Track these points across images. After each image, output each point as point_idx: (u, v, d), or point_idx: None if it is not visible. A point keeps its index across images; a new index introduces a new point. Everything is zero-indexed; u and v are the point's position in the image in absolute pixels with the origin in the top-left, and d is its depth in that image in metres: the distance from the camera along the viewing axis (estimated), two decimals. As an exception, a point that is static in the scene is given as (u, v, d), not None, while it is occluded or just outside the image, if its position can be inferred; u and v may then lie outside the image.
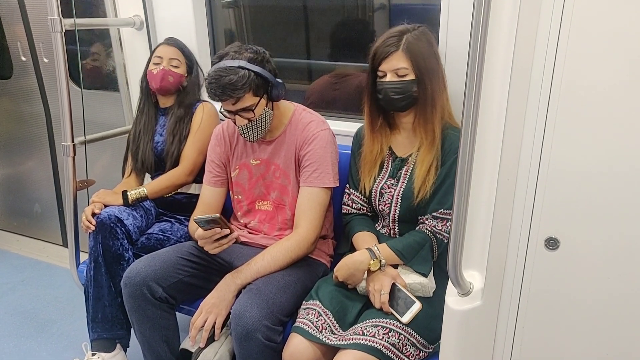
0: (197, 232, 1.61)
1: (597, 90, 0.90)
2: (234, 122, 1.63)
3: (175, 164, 1.99)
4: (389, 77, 1.46)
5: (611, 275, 0.97)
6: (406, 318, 1.41)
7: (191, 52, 2.05)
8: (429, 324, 1.44)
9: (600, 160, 0.92)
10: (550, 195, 0.96)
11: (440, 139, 1.50)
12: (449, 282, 1.13)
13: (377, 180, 1.61)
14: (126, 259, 1.81)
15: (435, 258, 1.52)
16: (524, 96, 0.92)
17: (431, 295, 1.49)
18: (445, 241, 1.50)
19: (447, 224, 1.49)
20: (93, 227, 1.80)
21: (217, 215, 1.54)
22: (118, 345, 1.88)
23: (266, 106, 1.62)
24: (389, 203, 1.58)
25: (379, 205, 1.61)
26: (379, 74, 1.50)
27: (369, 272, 1.51)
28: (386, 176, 1.60)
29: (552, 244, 0.98)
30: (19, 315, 2.53)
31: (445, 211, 1.50)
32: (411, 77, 1.45)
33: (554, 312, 1.04)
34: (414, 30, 1.48)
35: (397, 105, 1.49)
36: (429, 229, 1.51)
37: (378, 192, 1.60)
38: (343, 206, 1.71)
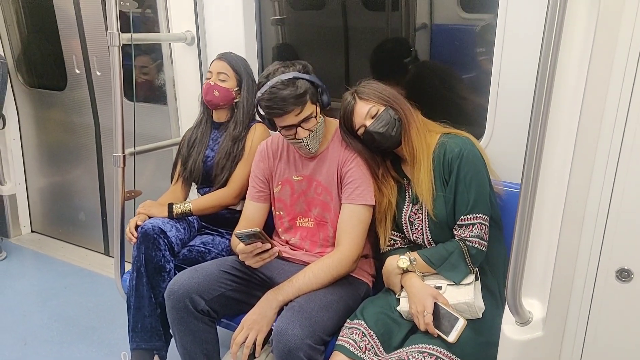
0: (238, 246, 1.61)
1: None
2: (294, 138, 1.63)
3: (224, 184, 2.00)
4: (368, 123, 1.57)
5: None
6: (452, 337, 1.36)
7: (242, 67, 2.02)
8: (478, 351, 1.38)
9: None
10: (624, 222, 0.90)
11: (436, 150, 1.54)
12: (506, 310, 1.07)
13: (403, 210, 1.62)
14: (167, 270, 1.82)
15: (471, 267, 1.49)
16: (599, 115, 0.87)
17: (480, 316, 1.44)
18: (476, 246, 1.48)
19: (473, 229, 1.48)
20: (134, 239, 1.82)
21: (258, 229, 1.53)
22: (156, 357, 1.88)
23: (320, 114, 1.66)
24: (420, 229, 1.58)
25: (412, 235, 1.61)
26: (359, 131, 1.59)
27: (403, 274, 1.54)
28: (410, 204, 1.61)
29: (624, 275, 0.92)
30: (62, 321, 2.58)
31: (465, 217, 1.49)
32: (382, 108, 1.56)
33: (624, 349, 0.97)
34: (360, 84, 1.62)
35: (391, 136, 1.55)
36: (457, 237, 1.51)
37: (407, 221, 1.61)
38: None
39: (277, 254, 1.60)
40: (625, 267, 0.92)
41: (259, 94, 1.59)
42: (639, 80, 0.84)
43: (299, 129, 1.61)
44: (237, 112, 2.02)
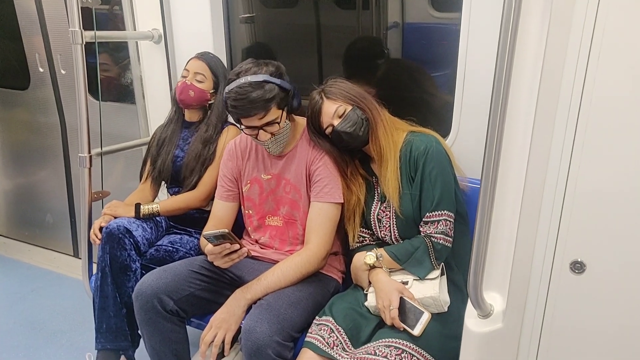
0: (206, 247, 1.61)
1: (627, 110, 0.87)
2: (256, 138, 1.63)
3: (194, 187, 1.97)
4: (335, 122, 1.57)
5: None
6: (417, 330, 1.39)
7: (220, 69, 1.99)
8: (444, 344, 1.41)
9: (630, 182, 0.89)
10: (577, 216, 0.93)
11: (403, 148, 1.56)
12: (469, 304, 1.10)
13: (372, 208, 1.64)
14: (133, 270, 1.80)
15: (435, 263, 1.51)
16: (552, 113, 0.90)
17: (445, 310, 1.47)
18: (441, 242, 1.50)
19: (438, 225, 1.50)
20: (99, 241, 1.80)
21: (226, 230, 1.53)
22: (122, 358, 1.87)
23: (287, 118, 1.64)
24: (388, 226, 1.60)
25: (380, 232, 1.63)
26: (327, 130, 1.60)
27: (371, 270, 1.56)
28: (379, 202, 1.63)
29: (577, 267, 0.95)
30: (29, 326, 2.52)
31: (430, 214, 1.52)
32: (349, 108, 1.56)
33: (579, 339, 1.01)
34: (327, 82, 1.62)
35: (359, 135, 1.56)
36: (422, 234, 1.54)
37: (376, 218, 1.63)
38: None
39: (246, 254, 1.60)
40: (579, 260, 0.95)
41: (226, 89, 1.57)
42: (589, 80, 0.87)
43: (261, 131, 1.60)
44: (211, 115, 1.98)
